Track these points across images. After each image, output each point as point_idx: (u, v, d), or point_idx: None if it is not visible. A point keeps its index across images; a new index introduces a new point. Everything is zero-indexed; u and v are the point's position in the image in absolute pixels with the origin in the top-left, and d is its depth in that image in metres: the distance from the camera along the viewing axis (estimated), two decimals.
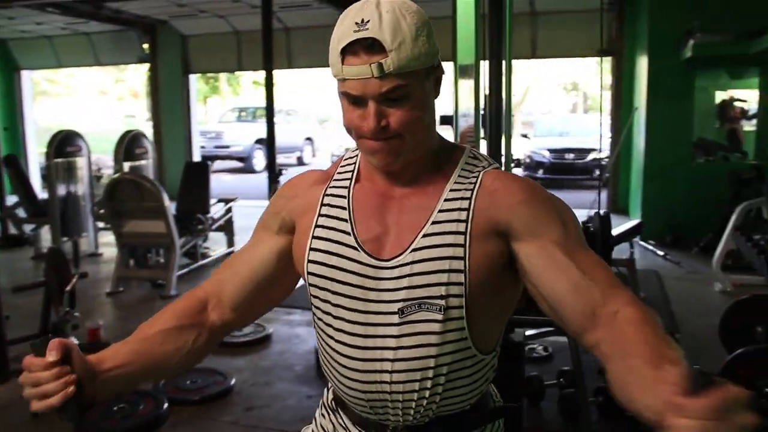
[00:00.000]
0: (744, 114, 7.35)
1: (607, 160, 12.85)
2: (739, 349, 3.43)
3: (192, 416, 3.52)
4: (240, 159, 15.31)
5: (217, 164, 14.64)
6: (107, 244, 7.15)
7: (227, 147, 15.08)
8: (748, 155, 7.39)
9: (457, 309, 1.11)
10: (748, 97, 7.50)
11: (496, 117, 2.74)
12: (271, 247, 1.27)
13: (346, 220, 1.18)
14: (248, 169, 15.21)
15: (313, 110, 18.93)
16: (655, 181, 7.33)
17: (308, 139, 17.42)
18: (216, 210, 6.77)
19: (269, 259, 1.27)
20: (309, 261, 1.18)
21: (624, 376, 0.96)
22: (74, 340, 1.18)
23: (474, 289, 1.11)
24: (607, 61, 8.93)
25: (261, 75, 22.21)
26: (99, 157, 11.01)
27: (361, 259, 1.15)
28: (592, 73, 25.97)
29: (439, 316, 1.10)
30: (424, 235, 1.13)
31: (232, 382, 3.83)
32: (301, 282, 1.29)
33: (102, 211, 6.10)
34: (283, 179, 5.93)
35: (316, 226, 1.19)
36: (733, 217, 5.53)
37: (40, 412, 1.03)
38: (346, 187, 1.21)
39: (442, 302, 1.10)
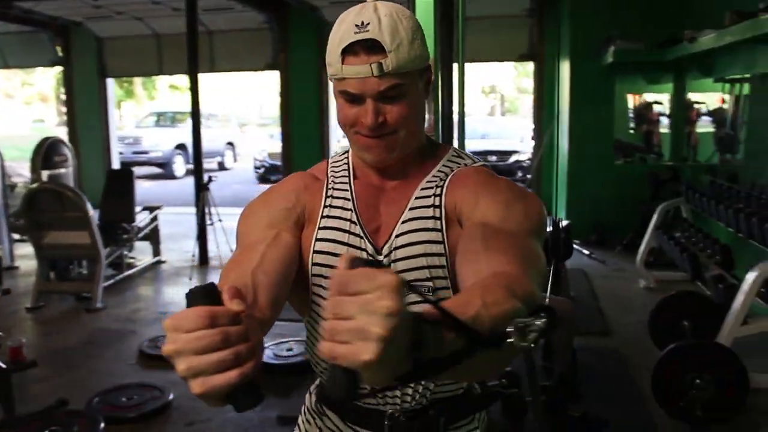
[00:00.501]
0: (660, 117, 7.67)
1: (529, 162, 13.21)
2: (668, 343, 3.57)
3: None
4: (159, 165, 14.90)
5: (136, 170, 14.16)
6: (24, 257, 6.81)
7: (146, 153, 14.65)
8: (664, 156, 7.71)
9: (445, 290, 1.15)
10: (664, 101, 7.82)
11: (448, 120, 2.75)
12: (295, 241, 1.20)
13: (350, 210, 1.22)
14: (168, 175, 14.82)
15: (233, 114, 18.58)
16: (578, 182, 7.55)
17: (229, 143, 17.10)
18: (141, 218, 6.54)
19: (296, 252, 1.19)
20: (315, 251, 1.20)
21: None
22: None
23: (458, 270, 1.13)
24: (529, 65, 9.16)
25: (179, 79, 21.52)
26: (9, 164, 10.46)
27: (365, 248, 1.19)
28: (510, 77, 26.66)
29: (431, 298, 1.07)
30: (403, 221, 1.19)
31: (170, 396, 3.70)
32: None
33: (19, 222, 5.79)
34: (213, 186, 5.81)
35: (323, 216, 1.22)
36: (654, 217, 5.76)
37: (211, 395, 0.71)
38: (346, 182, 1.26)
39: (430, 284, 1.15)
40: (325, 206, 1.23)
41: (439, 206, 1.18)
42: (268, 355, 4.22)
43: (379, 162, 1.19)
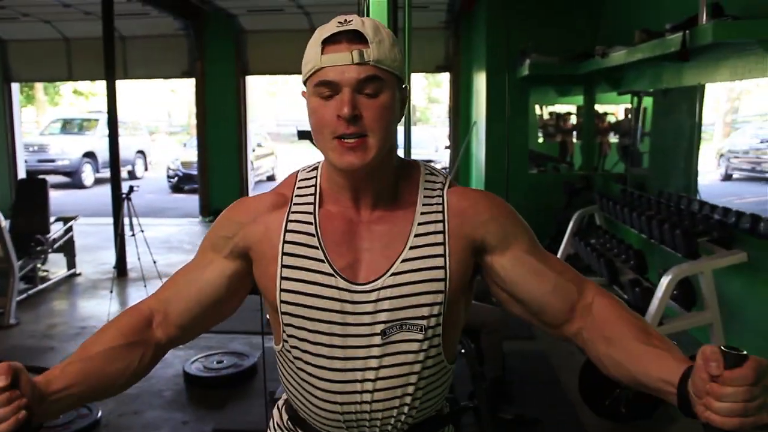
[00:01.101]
0: (574, 127, 7.98)
1: (445, 170, 13.47)
2: None
3: None
4: (66, 174, 14.29)
5: None
6: None
7: (53, 161, 14.00)
8: (574, 166, 8.04)
9: (435, 327, 1.16)
10: (573, 112, 8.16)
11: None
12: (222, 271, 1.24)
13: (316, 248, 1.17)
14: (76, 184, 14.23)
15: (141, 122, 18.05)
16: (494, 190, 7.72)
17: (140, 152, 16.59)
18: (54, 230, 6.28)
19: (219, 283, 1.24)
20: (282, 290, 1.17)
21: (621, 354, 1.08)
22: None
23: (449, 306, 1.17)
24: (439, 76, 9.33)
25: (83, 84, 20.73)
26: None
27: (338, 285, 1.15)
28: (421, 87, 27.07)
29: (420, 336, 1.15)
30: (404, 260, 1.16)
31: (99, 414, 3.59)
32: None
33: None
34: (134, 196, 5.65)
35: (284, 254, 1.18)
36: (571, 224, 6.01)
37: None
38: (310, 213, 1.20)
39: (424, 322, 1.15)
40: (285, 242, 1.18)
41: (443, 243, 1.17)
42: (197, 368, 4.15)
43: (355, 167, 1.11)
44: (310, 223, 1.19)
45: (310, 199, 1.21)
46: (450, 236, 1.18)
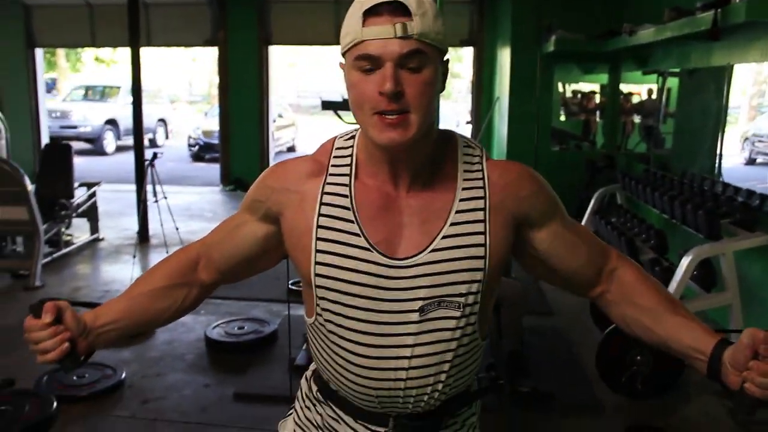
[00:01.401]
0: (597, 106, 7.92)
1: None
2: (608, 323, 3.76)
3: (83, 413, 3.35)
4: (88, 140, 14.40)
5: None
6: None
7: (75, 127, 14.10)
8: (597, 144, 7.99)
9: (473, 305, 1.17)
10: (597, 91, 8.09)
11: None
12: (254, 232, 1.27)
13: (352, 221, 1.15)
14: (98, 151, 14.35)
15: (162, 90, 18.10)
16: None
17: (161, 120, 16.67)
18: (78, 195, 6.36)
19: (251, 243, 1.28)
20: (317, 263, 1.16)
21: (649, 320, 1.21)
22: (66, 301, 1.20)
23: (488, 283, 1.17)
24: (462, 51, 9.26)
25: (105, 51, 20.72)
26: None
27: (375, 260, 1.14)
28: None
29: (457, 313, 1.15)
30: (444, 237, 1.15)
31: (123, 375, 3.67)
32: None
33: None
34: (156, 163, 5.71)
35: (319, 226, 1.16)
36: (592, 202, 6.00)
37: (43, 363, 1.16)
38: (345, 185, 1.18)
39: (462, 299, 1.15)
40: (320, 214, 1.17)
41: (483, 221, 1.16)
42: (219, 334, 4.22)
43: (396, 143, 1.09)
44: (346, 196, 1.17)
45: (346, 170, 1.19)
46: (491, 212, 1.17)
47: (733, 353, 1.07)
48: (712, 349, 1.10)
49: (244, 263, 1.31)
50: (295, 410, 1.39)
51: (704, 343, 1.12)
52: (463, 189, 1.18)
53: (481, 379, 1.39)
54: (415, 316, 1.14)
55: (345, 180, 1.19)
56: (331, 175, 1.20)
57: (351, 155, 1.21)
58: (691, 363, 1.16)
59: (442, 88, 1.16)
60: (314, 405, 1.32)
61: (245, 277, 1.37)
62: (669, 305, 1.20)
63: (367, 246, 1.14)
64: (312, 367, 1.36)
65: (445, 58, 1.14)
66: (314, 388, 1.33)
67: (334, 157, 1.22)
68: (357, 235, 1.15)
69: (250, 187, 1.31)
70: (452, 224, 1.16)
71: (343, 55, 1.12)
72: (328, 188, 1.18)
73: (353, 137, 1.23)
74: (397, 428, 1.22)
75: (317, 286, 1.17)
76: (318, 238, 1.16)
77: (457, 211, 1.16)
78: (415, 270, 1.14)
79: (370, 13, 1.06)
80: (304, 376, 1.40)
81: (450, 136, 1.24)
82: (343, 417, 1.26)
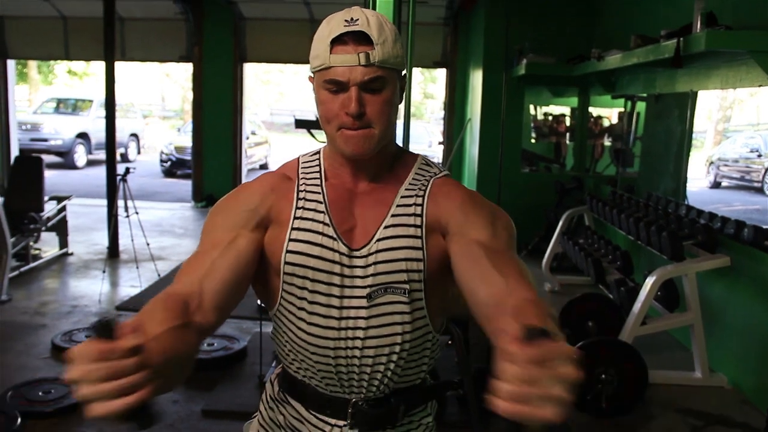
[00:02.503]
0: (567, 129, 8.07)
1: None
2: (575, 341, 3.84)
3: (48, 430, 3.31)
4: (59, 153, 14.25)
5: None
6: None
7: (45, 140, 13.93)
8: (566, 166, 8.13)
9: (418, 292, 1.26)
10: (567, 114, 8.25)
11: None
12: (253, 243, 1.24)
13: (323, 212, 1.26)
14: (69, 165, 14.20)
15: (137, 105, 18.00)
16: (486, 188, 7.83)
17: (133, 135, 16.55)
18: (48, 209, 6.31)
19: (251, 257, 1.24)
20: (288, 251, 1.24)
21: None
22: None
23: (431, 275, 1.26)
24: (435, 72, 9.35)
25: (78, 64, 20.51)
26: None
27: (338, 249, 1.24)
28: (416, 82, 27.12)
29: (405, 299, 1.25)
30: (386, 227, 1.26)
31: None
32: None
33: None
34: (130, 178, 5.69)
35: (295, 218, 1.26)
36: (560, 223, 6.10)
37: (109, 417, 0.79)
38: (318, 184, 1.30)
39: (407, 286, 1.24)
40: (297, 207, 1.27)
41: (421, 215, 1.26)
42: None
43: (358, 154, 1.22)
44: (318, 193, 1.29)
45: (316, 174, 1.32)
46: (427, 216, 1.26)
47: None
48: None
49: (241, 285, 1.22)
50: (260, 412, 1.45)
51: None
52: (406, 189, 1.29)
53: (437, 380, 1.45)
54: (364, 302, 1.24)
55: (317, 181, 1.30)
56: (303, 178, 1.31)
57: (318, 164, 1.33)
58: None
59: (401, 100, 1.28)
60: (277, 406, 1.38)
61: (232, 310, 1.22)
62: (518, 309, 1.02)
63: (334, 236, 1.25)
64: (276, 370, 1.43)
65: (402, 74, 1.27)
66: (277, 389, 1.39)
67: (302, 169, 1.33)
68: (327, 225, 1.25)
69: None
70: (393, 215, 1.26)
71: (313, 72, 1.24)
72: (302, 186, 1.30)
73: (317, 153, 1.36)
74: (355, 416, 1.29)
75: (285, 273, 1.25)
76: (293, 228, 1.26)
77: (398, 205, 1.27)
78: (365, 259, 1.25)
79: (336, 41, 1.17)
80: (268, 379, 1.46)
81: (413, 155, 1.37)
82: (304, 414, 1.33)
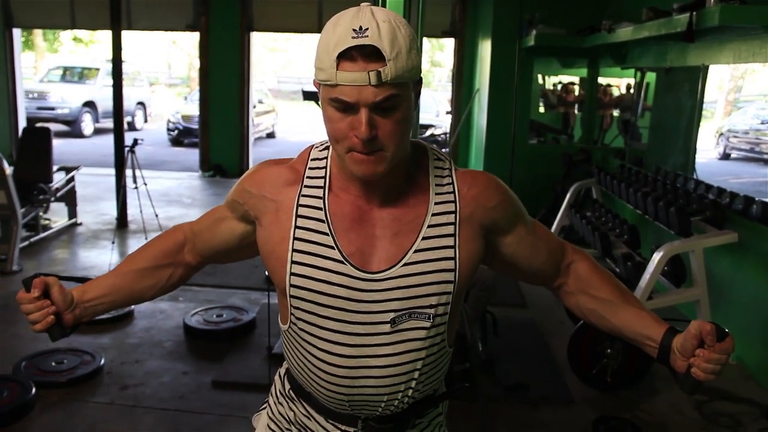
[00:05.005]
0: (576, 99, 8.00)
1: (443, 136, 13.47)
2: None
3: (62, 399, 3.38)
4: (66, 122, 14.24)
5: None
6: None
7: (52, 109, 13.92)
8: (574, 138, 8.08)
9: (443, 315, 1.22)
10: (576, 84, 8.18)
11: None
12: (233, 229, 1.34)
13: (326, 234, 1.18)
14: (76, 134, 14.21)
15: (143, 73, 17.91)
16: (494, 159, 7.81)
17: (140, 103, 16.51)
18: (57, 179, 6.33)
19: (229, 237, 1.36)
20: (292, 274, 1.19)
21: (605, 309, 1.32)
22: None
23: (457, 293, 1.23)
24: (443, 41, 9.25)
25: (85, 32, 20.37)
26: None
27: (348, 273, 1.17)
28: (424, 50, 26.90)
29: (428, 324, 1.20)
30: (416, 251, 1.18)
31: (102, 361, 3.69)
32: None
33: None
34: (138, 147, 5.69)
35: (295, 238, 1.19)
36: (568, 196, 6.08)
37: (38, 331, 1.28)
38: (320, 197, 1.21)
39: (432, 311, 1.19)
40: (296, 226, 1.20)
41: (453, 235, 1.20)
42: (197, 321, 4.26)
43: (369, 177, 1.14)
44: (320, 209, 1.20)
45: (320, 182, 1.22)
46: (461, 224, 1.21)
47: (681, 341, 1.18)
48: (662, 337, 1.22)
49: (224, 253, 1.40)
50: (269, 405, 1.44)
51: (655, 331, 1.24)
52: (436, 204, 1.21)
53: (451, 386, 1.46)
54: (386, 328, 1.19)
55: (319, 192, 1.21)
56: (306, 186, 1.22)
57: (325, 167, 1.23)
58: (642, 348, 1.28)
59: (417, 106, 1.19)
60: (287, 402, 1.37)
61: (228, 262, 1.46)
62: (621, 296, 1.31)
63: (341, 258, 1.17)
64: (285, 365, 1.40)
65: (419, 78, 1.16)
66: (287, 386, 1.38)
67: (309, 168, 1.24)
68: (331, 247, 1.18)
69: (227, 173, 1.40)
70: (424, 238, 1.19)
71: (318, 83, 1.12)
72: (303, 200, 1.21)
73: (327, 148, 1.25)
74: (365, 429, 1.28)
75: (291, 296, 1.20)
76: (294, 250, 1.19)
77: (429, 226, 1.20)
78: (387, 283, 1.17)
79: (343, 57, 1.05)
80: (277, 373, 1.45)
81: (422, 148, 1.27)
82: (314, 415, 1.32)
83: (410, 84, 1.11)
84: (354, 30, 1.05)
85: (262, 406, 1.48)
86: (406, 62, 1.07)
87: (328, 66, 1.06)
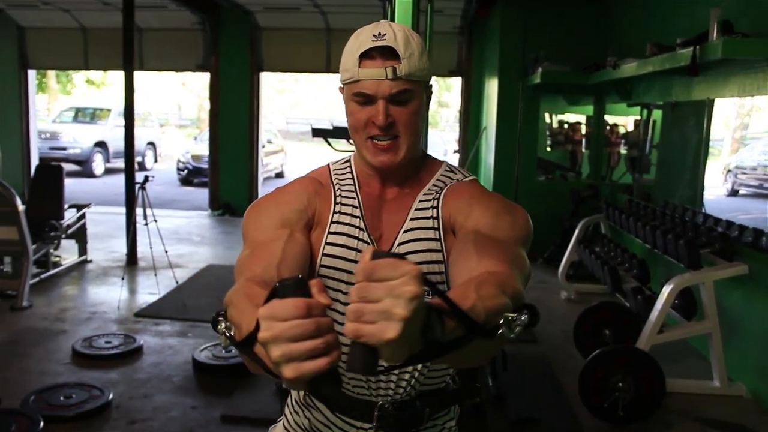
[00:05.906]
0: (583, 137, 8.04)
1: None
2: (591, 350, 3.84)
3: None
4: (77, 162, 14.41)
5: None
6: None
7: (64, 149, 14.12)
8: (582, 174, 8.11)
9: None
10: (582, 122, 8.23)
11: None
12: (306, 242, 1.28)
13: (359, 218, 1.32)
14: (87, 173, 14.35)
15: (153, 114, 18.16)
16: (503, 196, 7.82)
17: (150, 143, 16.70)
18: (68, 216, 6.39)
19: (308, 251, 1.27)
20: (324, 254, 1.29)
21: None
22: None
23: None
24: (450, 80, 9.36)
25: (96, 74, 20.70)
26: None
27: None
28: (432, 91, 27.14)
29: (439, 290, 1.21)
30: (405, 231, 1.30)
31: (110, 396, 3.68)
32: None
33: None
34: (148, 186, 5.74)
35: (332, 222, 1.32)
36: (576, 232, 6.09)
37: (300, 380, 0.75)
38: (353, 190, 1.35)
39: (427, 288, 1.20)
40: (334, 212, 1.32)
41: (437, 218, 1.30)
42: (206, 356, 4.25)
43: (386, 166, 1.28)
44: (354, 198, 1.34)
45: (350, 181, 1.37)
46: (442, 218, 1.30)
47: None
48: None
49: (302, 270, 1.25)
50: (285, 415, 1.47)
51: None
52: (424, 193, 1.34)
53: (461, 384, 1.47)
54: None
55: (351, 188, 1.36)
56: (337, 184, 1.37)
57: (351, 172, 1.39)
58: None
59: (428, 109, 1.35)
60: (302, 410, 1.41)
61: None
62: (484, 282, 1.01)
63: (369, 240, 1.30)
64: None
65: (429, 84, 1.31)
66: (302, 393, 1.41)
67: (335, 175, 1.39)
68: (363, 230, 1.31)
69: (236, 211, 1.38)
70: (411, 219, 1.31)
71: (343, 84, 1.29)
72: (338, 192, 1.35)
73: (348, 161, 1.41)
74: (381, 419, 1.31)
75: (319, 275, 1.29)
76: (330, 232, 1.31)
77: (416, 209, 1.32)
78: None
79: (365, 56, 1.23)
80: None
81: (438, 161, 1.41)
82: (330, 418, 1.35)
83: (422, 84, 1.27)
84: (374, 35, 1.23)
85: (279, 419, 1.51)
86: (418, 62, 1.24)
87: (351, 65, 1.24)
